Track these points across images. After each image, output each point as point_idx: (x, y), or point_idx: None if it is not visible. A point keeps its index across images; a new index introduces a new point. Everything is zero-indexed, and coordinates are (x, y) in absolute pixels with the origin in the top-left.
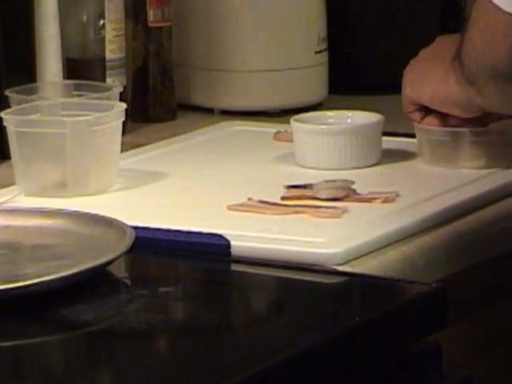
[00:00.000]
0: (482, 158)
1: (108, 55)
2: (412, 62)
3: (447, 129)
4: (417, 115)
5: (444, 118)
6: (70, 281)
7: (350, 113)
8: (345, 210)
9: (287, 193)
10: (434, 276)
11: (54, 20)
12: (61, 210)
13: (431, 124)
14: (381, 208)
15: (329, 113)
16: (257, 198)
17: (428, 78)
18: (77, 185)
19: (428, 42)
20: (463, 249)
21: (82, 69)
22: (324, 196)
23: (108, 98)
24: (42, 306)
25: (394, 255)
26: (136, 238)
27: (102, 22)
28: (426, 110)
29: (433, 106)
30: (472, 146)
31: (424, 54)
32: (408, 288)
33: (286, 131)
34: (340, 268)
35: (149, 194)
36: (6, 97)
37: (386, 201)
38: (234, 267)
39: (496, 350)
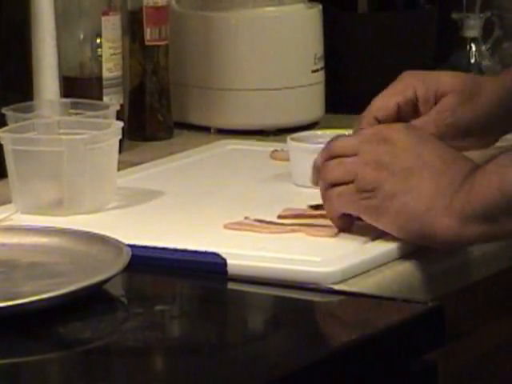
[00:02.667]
0: None
1: (105, 73)
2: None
3: None
4: (347, 221)
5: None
6: (67, 299)
7: (346, 132)
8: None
9: (283, 212)
10: (430, 295)
11: (51, 38)
12: (57, 228)
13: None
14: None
15: (326, 132)
16: (253, 216)
17: (416, 209)
18: (73, 203)
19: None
20: (459, 268)
21: (79, 87)
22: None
23: (105, 117)
24: (39, 324)
25: (390, 274)
26: (132, 256)
27: (98, 40)
28: None
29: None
30: None
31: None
32: (404, 307)
33: (282, 150)
34: (336, 287)
35: (145, 212)
36: (3, 115)
37: None
38: (231, 285)
39: (492, 368)
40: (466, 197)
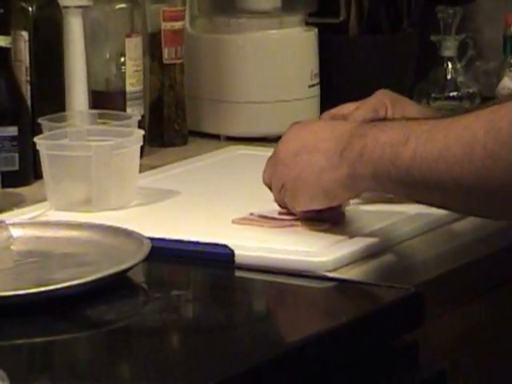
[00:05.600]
0: None
1: (128, 88)
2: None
3: None
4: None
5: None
6: (94, 285)
7: None
8: (334, 223)
9: (284, 208)
10: (412, 281)
11: (82, 58)
12: (87, 222)
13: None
14: (366, 222)
15: None
16: (258, 212)
17: (308, 177)
18: (100, 201)
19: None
20: (438, 257)
21: (106, 100)
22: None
23: (128, 126)
24: (69, 307)
25: (376, 263)
26: (152, 247)
27: (123, 59)
28: None
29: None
30: None
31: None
32: (389, 292)
33: None
34: (329, 274)
35: (163, 209)
36: (39, 124)
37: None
38: (238, 273)
39: (468, 346)
40: (358, 158)
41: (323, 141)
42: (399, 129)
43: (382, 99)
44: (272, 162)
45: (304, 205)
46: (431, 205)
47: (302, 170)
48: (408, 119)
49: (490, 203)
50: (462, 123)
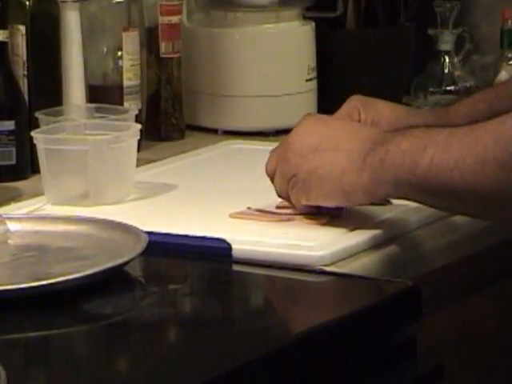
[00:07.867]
0: None
1: (125, 82)
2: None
3: None
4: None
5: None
6: (92, 279)
7: None
8: (332, 217)
9: (281, 202)
10: (411, 275)
11: (78, 51)
12: (83, 216)
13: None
14: (364, 216)
15: None
16: (255, 206)
17: (329, 175)
18: (97, 195)
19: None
20: (437, 250)
21: (103, 94)
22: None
23: (125, 120)
24: (67, 301)
25: (375, 257)
26: (149, 241)
27: (120, 53)
28: None
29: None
30: None
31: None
32: (387, 286)
33: None
34: (327, 268)
35: (160, 203)
36: (36, 118)
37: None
38: (235, 268)
39: (466, 340)
40: (380, 164)
41: (346, 141)
42: (419, 136)
43: (354, 104)
44: (281, 151)
45: (315, 200)
46: (454, 212)
47: (321, 166)
48: (428, 126)
49: (507, 210)
50: (473, 134)
